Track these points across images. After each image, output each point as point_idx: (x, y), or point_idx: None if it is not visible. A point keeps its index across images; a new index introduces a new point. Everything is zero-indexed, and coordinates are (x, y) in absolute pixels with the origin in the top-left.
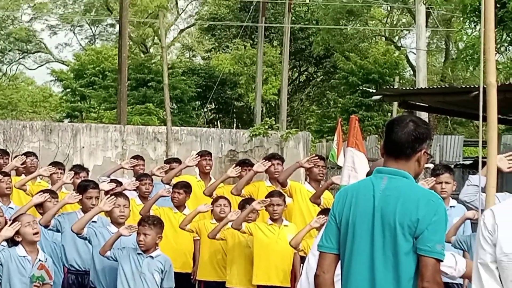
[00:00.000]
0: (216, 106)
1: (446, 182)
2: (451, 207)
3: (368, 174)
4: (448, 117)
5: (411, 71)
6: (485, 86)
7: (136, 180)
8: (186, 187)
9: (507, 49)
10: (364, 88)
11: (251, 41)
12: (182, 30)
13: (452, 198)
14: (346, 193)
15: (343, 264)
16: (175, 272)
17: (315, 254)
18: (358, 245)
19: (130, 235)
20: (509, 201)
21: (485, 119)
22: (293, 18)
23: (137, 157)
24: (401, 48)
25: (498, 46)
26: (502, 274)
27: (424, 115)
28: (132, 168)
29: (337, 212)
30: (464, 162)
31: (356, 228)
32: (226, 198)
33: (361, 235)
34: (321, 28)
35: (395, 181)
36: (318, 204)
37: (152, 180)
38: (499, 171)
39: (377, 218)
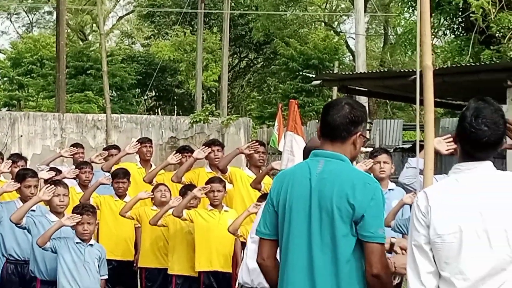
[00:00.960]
0: (157, 94)
1: (384, 162)
2: (389, 190)
3: (304, 155)
4: (387, 101)
5: (351, 56)
6: (421, 69)
7: (75, 168)
8: (127, 174)
9: (445, 33)
10: (304, 74)
11: (190, 28)
12: (121, 17)
13: (391, 181)
14: (282, 178)
15: (281, 248)
16: (117, 261)
17: (253, 239)
18: (295, 228)
19: (72, 225)
20: (442, 182)
21: (422, 102)
22: (233, 4)
23: (76, 145)
24: (341, 34)
25: (436, 31)
26: (436, 255)
27: (363, 100)
28: (71, 156)
29: (274, 197)
30: (404, 146)
31: (293, 212)
32: (166, 185)
33: (298, 218)
34: (260, 14)
35: (331, 164)
36: (259, 190)
37: (92, 168)
38: (438, 153)
39: (314, 201)
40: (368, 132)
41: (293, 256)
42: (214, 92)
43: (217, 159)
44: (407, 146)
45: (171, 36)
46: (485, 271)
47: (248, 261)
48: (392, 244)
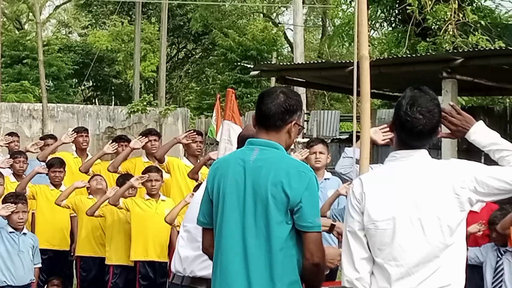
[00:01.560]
0: (94, 84)
1: (320, 152)
2: (325, 179)
3: (238, 143)
4: (325, 93)
5: (289, 47)
6: (358, 60)
7: (10, 157)
8: (63, 164)
9: (382, 25)
10: (243, 64)
11: (128, 18)
12: (57, 6)
13: (328, 171)
14: (217, 166)
15: (215, 236)
16: (53, 250)
17: (186, 228)
18: (229, 216)
19: (7, 215)
20: (378, 169)
21: (359, 93)
22: None
23: (11, 134)
24: (279, 25)
25: (373, 23)
26: (370, 241)
27: (301, 90)
28: (6, 145)
29: (209, 186)
30: (341, 137)
31: (227, 200)
32: (101, 176)
33: (231, 206)
34: (199, 4)
35: (266, 152)
36: (196, 180)
37: (26, 158)
38: (375, 143)
39: (248, 189)
40: (305, 123)
41: (226, 243)
42: (152, 82)
43: (154, 149)
44: (344, 137)
45: (108, 26)
46: (418, 258)
47: (180, 250)
48: (333, 226)
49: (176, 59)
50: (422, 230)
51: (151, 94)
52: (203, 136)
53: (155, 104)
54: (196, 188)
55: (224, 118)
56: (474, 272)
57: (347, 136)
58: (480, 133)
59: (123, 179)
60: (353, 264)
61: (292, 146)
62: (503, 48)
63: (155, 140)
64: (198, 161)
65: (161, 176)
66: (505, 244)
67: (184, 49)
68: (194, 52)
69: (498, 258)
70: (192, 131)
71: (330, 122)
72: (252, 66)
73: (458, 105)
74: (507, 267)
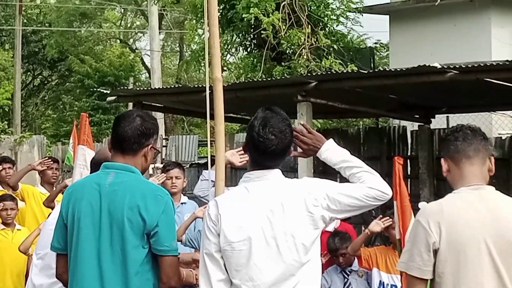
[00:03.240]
0: None
1: (176, 177)
2: (182, 203)
3: (92, 166)
4: (184, 118)
5: (147, 73)
6: (212, 83)
7: None
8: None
9: (238, 50)
10: (100, 90)
11: None
12: None
13: (184, 195)
14: (72, 190)
15: (70, 261)
16: None
17: (39, 255)
18: (85, 240)
19: None
20: (233, 191)
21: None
22: (25, 20)
23: None
24: (136, 51)
25: (229, 47)
26: (227, 263)
27: (159, 116)
28: None
29: (64, 210)
30: (199, 161)
31: (82, 224)
32: None
33: (87, 230)
34: (54, 30)
35: (122, 176)
36: (52, 208)
37: None
38: (232, 166)
39: (104, 213)
40: (164, 148)
41: (82, 268)
42: (7, 110)
43: (8, 177)
44: (203, 161)
45: None
46: (274, 277)
47: (33, 278)
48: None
49: (32, 86)
50: (277, 249)
51: (6, 122)
52: (59, 163)
53: (10, 132)
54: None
55: (78, 143)
56: None
57: (206, 160)
58: (331, 151)
59: None
60: (210, 286)
61: (151, 172)
62: (355, 71)
63: (9, 167)
64: (54, 188)
65: (16, 204)
66: (349, 264)
67: (40, 76)
68: (50, 79)
69: (346, 280)
70: (48, 157)
71: (188, 147)
72: (109, 92)
73: (313, 128)
74: (355, 286)
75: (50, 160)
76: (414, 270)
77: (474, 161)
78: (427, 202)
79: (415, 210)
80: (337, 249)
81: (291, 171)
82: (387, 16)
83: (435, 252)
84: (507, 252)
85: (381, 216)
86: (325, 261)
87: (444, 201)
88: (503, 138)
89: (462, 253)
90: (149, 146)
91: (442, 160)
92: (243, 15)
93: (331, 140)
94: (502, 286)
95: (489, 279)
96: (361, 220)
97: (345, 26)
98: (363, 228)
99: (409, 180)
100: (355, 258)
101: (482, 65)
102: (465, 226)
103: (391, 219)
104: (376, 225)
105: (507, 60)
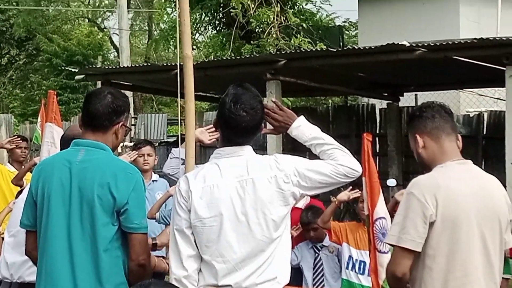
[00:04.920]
0: None
1: (148, 154)
2: (153, 181)
3: (62, 143)
4: (153, 97)
5: (116, 52)
6: (182, 61)
7: None
8: None
9: (206, 29)
10: (68, 69)
11: None
12: None
13: (155, 173)
14: (42, 167)
15: (39, 239)
16: None
17: (11, 233)
18: (55, 217)
19: None
20: (204, 167)
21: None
22: None
23: None
24: (105, 30)
25: (198, 26)
26: (197, 239)
27: (128, 94)
28: None
29: (33, 187)
30: (169, 140)
31: (52, 202)
32: None
33: (57, 207)
34: (22, 9)
35: (92, 153)
36: (21, 186)
37: None
38: (202, 144)
39: (74, 191)
40: (133, 127)
41: (52, 245)
42: None
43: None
44: (172, 139)
45: None
46: (244, 253)
47: (6, 256)
48: (154, 244)
49: None
50: (247, 225)
51: None
52: (28, 141)
53: None
54: (19, 193)
55: (46, 120)
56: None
57: (175, 139)
58: (302, 128)
59: None
60: (181, 262)
61: (120, 150)
62: (324, 49)
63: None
64: (23, 167)
65: None
66: (320, 240)
67: (7, 55)
68: (17, 58)
69: (316, 255)
70: (16, 136)
71: (157, 126)
72: (77, 71)
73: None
74: (325, 262)
75: (19, 138)
76: (408, 242)
77: (452, 137)
78: (395, 179)
79: (383, 187)
80: (309, 223)
81: (260, 149)
82: None
83: (431, 224)
84: (492, 225)
85: (351, 187)
86: (296, 236)
87: (436, 174)
88: (471, 115)
89: (456, 225)
90: (120, 124)
91: (417, 136)
92: None
93: (302, 117)
94: (487, 258)
95: (478, 249)
96: (330, 197)
97: (314, 5)
98: (331, 199)
99: (377, 157)
100: (326, 234)
101: (450, 43)
102: (459, 199)
103: (359, 191)
104: (344, 195)
105: (475, 38)
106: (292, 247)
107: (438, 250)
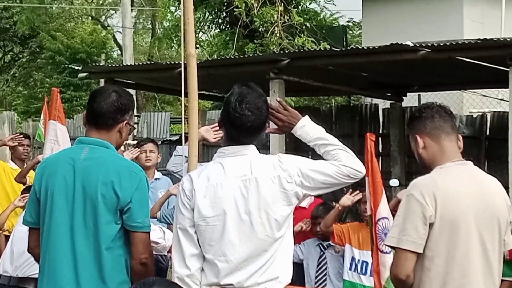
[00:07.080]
0: None
1: (151, 151)
2: (156, 179)
3: None
4: (156, 96)
5: (119, 51)
6: (186, 59)
7: None
8: None
9: (210, 28)
10: (72, 67)
11: None
12: None
13: (158, 171)
14: (46, 165)
15: (43, 236)
16: None
17: (20, 229)
18: (58, 215)
19: None
20: (207, 165)
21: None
22: None
23: None
24: (108, 28)
25: (202, 25)
26: (200, 238)
27: (131, 92)
28: None
29: (37, 185)
30: (171, 138)
31: (55, 199)
32: None
33: (60, 205)
34: (25, 7)
35: (96, 151)
36: (24, 184)
37: None
38: (206, 142)
39: (77, 188)
40: (136, 125)
41: (55, 242)
42: None
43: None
44: (174, 138)
45: None
46: (247, 253)
47: (14, 248)
48: None
49: (3, 62)
50: (251, 224)
51: None
52: (30, 139)
53: None
54: (24, 191)
55: (49, 118)
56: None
57: (178, 137)
58: (306, 128)
59: None
60: (184, 261)
61: (122, 148)
62: (328, 49)
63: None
64: (25, 164)
65: None
66: (327, 238)
67: (11, 53)
68: (21, 56)
69: (322, 253)
70: (19, 133)
71: (160, 124)
72: (80, 68)
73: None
74: (330, 261)
75: (21, 136)
76: (408, 244)
77: (452, 137)
78: (398, 179)
79: (386, 187)
80: (317, 217)
81: (263, 148)
82: None
83: (430, 225)
84: (491, 226)
85: (351, 190)
86: (305, 232)
87: (436, 175)
88: (474, 116)
89: (455, 226)
90: (124, 122)
91: (417, 137)
92: None
93: (306, 117)
94: (486, 259)
95: (476, 251)
96: (333, 197)
97: (318, 4)
98: (333, 204)
99: (380, 157)
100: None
101: (454, 43)
102: (457, 200)
103: (361, 193)
104: (347, 200)
105: (479, 39)
106: (299, 242)
107: (437, 251)
